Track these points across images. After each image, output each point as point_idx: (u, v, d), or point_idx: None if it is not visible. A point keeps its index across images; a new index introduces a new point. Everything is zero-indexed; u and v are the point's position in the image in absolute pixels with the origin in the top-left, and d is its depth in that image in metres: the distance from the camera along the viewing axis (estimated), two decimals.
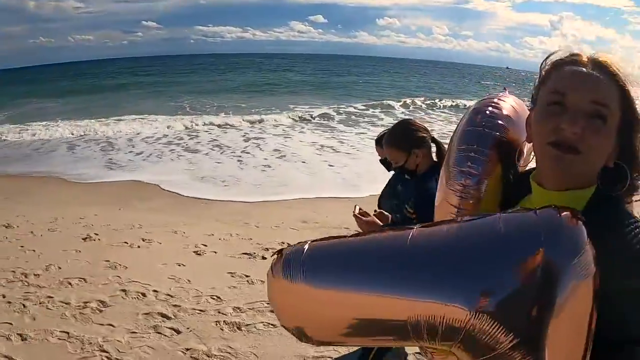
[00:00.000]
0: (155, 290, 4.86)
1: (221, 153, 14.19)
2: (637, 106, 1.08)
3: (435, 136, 2.86)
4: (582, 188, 1.06)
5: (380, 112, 23.87)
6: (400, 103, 26.39)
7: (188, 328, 4.18)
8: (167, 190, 9.95)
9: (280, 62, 79.50)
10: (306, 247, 0.95)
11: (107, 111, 22.41)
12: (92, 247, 6.19)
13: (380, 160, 3.35)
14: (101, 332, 4.09)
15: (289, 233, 6.79)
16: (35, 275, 5.24)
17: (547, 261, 0.79)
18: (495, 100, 1.34)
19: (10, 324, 4.21)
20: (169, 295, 4.79)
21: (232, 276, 5.28)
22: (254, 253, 5.99)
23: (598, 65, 1.07)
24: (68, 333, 4.06)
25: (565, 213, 0.85)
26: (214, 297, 4.77)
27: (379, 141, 3.49)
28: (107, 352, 3.81)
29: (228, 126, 18.78)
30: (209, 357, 3.78)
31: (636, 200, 1.12)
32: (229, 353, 3.81)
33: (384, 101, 26.73)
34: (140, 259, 5.74)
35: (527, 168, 1.34)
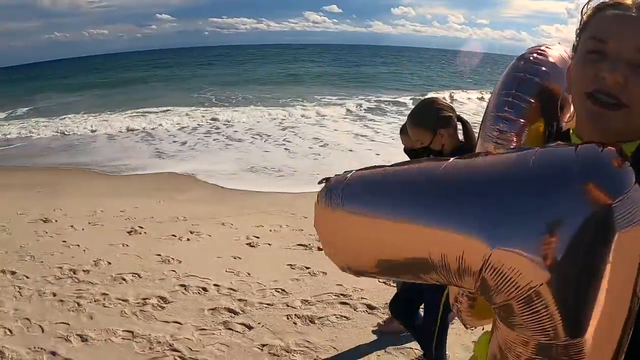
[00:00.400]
0: (216, 285, 4.59)
1: (264, 142, 14.03)
2: None
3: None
4: (626, 142, 0.92)
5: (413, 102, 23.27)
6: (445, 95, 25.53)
7: (259, 323, 3.94)
8: (203, 181, 9.73)
9: (297, 52, 78.64)
10: (349, 175, 0.94)
11: (133, 103, 22.32)
12: (139, 240, 5.92)
13: (405, 150, 3.19)
14: (168, 330, 3.83)
15: None
16: (84, 271, 4.97)
17: (579, 199, 0.67)
18: (543, 47, 1.26)
19: (67, 324, 3.94)
20: (231, 289, 4.52)
21: (292, 268, 5.00)
22: (309, 244, 5.67)
23: None
24: (132, 332, 3.79)
25: (609, 149, 0.71)
26: (279, 290, 4.50)
27: (403, 130, 3.24)
28: (178, 351, 3.56)
29: (261, 116, 18.51)
30: (287, 352, 3.54)
31: None
32: (308, 347, 3.59)
33: (415, 93, 25.81)
34: (192, 253, 5.45)
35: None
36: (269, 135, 14.75)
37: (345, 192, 0.91)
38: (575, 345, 0.72)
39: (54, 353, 3.55)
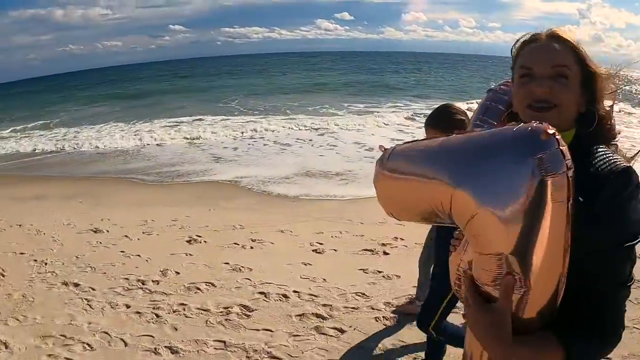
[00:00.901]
0: (295, 291, 4.48)
1: (312, 146, 14.01)
2: (590, 62, 1.31)
3: None
4: (562, 132, 1.12)
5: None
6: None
7: (350, 326, 3.88)
8: (247, 188, 9.62)
9: (312, 60, 78.35)
10: (395, 146, 1.28)
11: (162, 113, 22.45)
12: (202, 249, 5.79)
13: None
14: (261, 338, 3.73)
15: (399, 228, 6.28)
16: (153, 281, 4.84)
17: (517, 156, 0.98)
18: (508, 81, 1.58)
19: (151, 336, 3.80)
20: (312, 295, 4.40)
21: (366, 272, 4.90)
22: (374, 249, 5.55)
23: (554, 37, 1.32)
24: (224, 342, 3.68)
25: (538, 124, 1.02)
26: (359, 294, 4.43)
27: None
28: (277, 357, 3.48)
29: (296, 123, 18.27)
30: (385, 352, 3.54)
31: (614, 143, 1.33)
32: (404, 347, 3.58)
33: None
34: (261, 260, 5.30)
35: None
36: (311, 140, 14.76)
37: (390, 157, 1.26)
38: (515, 258, 1.02)
39: None
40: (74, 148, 16.11)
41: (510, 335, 1.08)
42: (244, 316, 4.04)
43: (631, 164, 1.24)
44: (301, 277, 4.77)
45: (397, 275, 4.73)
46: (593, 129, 1.29)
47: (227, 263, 5.19)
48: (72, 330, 3.98)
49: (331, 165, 11.15)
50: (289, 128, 17.26)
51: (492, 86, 1.72)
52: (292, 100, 26.15)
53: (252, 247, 5.78)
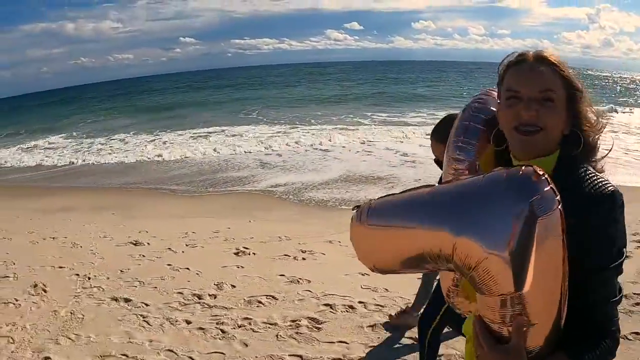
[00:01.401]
0: (360, 302, 4.38)
1: (354, 153, 14.12)
2: (575, 81, 1.36)
3: None
4: (547, 155, 1.35)
5: None
6: None
7: None
8: (284, 199, 9.55)
9: (325, 71, 77.62)
10: (372, 201, 1.32)
11: (185, 124, 22.58)
12: (252, 261, 5.67)
13: (435, 161, 3.27)
14: (337, 350, 3.63)
15: None
16: (210, 295, 4.71)
17: (510, 201, 1.07)
18: (482, 96, 1.64)
19: (222, 353, 3.67)
20: (378, 305, 4.31)
21: None
22: None
23: (540, 59, 1.36)
24: (300, 356, 3.57)
25: (528, 167, 1.11)
26: None
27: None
28: None
29: (328, 132, 18.30)
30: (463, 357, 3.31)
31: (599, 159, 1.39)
32: None
33: None
34: (317, 272, 5.19)
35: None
36: (345, 147, 14.87)
37: (369, 212, 1.27)
38: (521, 296, 1.08)
39: None
40: (98, 159, 16.17)
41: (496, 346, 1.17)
42: (314, 329, 3.92)
43: (615, 188, 1.26)
44: (362, 288, 4.65)
45: None
46: (580, 149, 1.34)
47: (283, 275, 5.07)
48: (133, 349, 3.83)
49: (375, 170, 11.22)
50: (321, 135, 17.31)
51: (468, 103, 1.71)
52: (314, 110, 26.24)
53: (304, 259, 5.66)
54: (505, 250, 1.05)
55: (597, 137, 1.39)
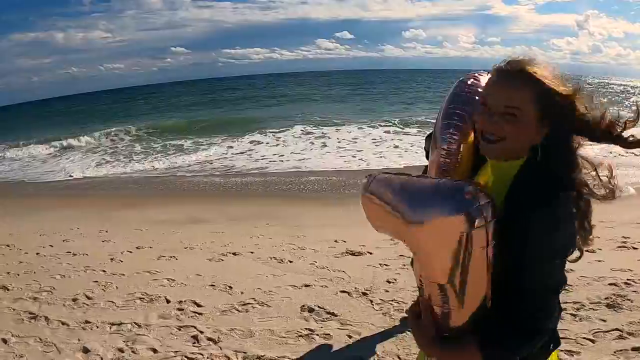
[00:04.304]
0: None
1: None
2: (556, 90, 1.38)
3: None
4: (516, 158, 1.46)
5: None
6: None
7: None
8: None
9: (319, 80, 78.21)
10: (376, 174, 1.55)
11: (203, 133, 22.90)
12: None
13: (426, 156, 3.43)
14: None
15: None
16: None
17: (450, 206, 1.28)
18: (477, 74, 1.77)
19: None
20: None
21: None
22: None
23: (516, 72, 1.40)
24: None
25: (465, 181, 1.35)
26: None
27: (428, 138, 3.50)
28: None
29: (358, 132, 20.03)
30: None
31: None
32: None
33: None
34: None
35: None
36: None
37: (370, 185, 1.50)
38: (444, 287, 1.37)
39: None
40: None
41: (433, 339, 1.46)
42: None
43: (559, 196, 1.36)
44: None
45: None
46: (546, 156, 1.42)
47: None
48: None
49: None
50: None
51: (463, 78, 1.79)
52: (326, 115, 27.44)
53: None
54: (439, 248, 1.31)
55: (577, 145, 1.44)
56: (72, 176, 15.84)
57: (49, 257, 6.93)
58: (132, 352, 4.12)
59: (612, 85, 53.29)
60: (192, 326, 4.54)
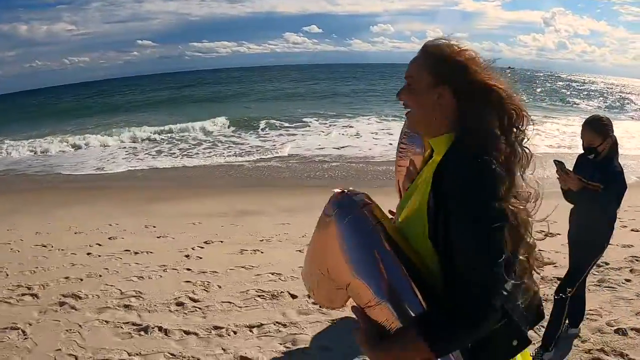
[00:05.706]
0: None
1: None
2: (450, 55, 1.42)
3: None
4: (444, 134, 1.45)
5: None
6: None
7: None
8: None
9: (289, 73, 77.89)
10: (357, 197, 1.46)
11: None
12: None
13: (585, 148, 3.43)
14: None
15: None
16: None
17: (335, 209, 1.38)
18: None
19: None
20: None
21: None
22: None
23: (422, 49, 1.48)
24: None
25: (340, 193, 1.42)
26: None
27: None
28: None
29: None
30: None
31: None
32: None
33: None
34: None
35: None
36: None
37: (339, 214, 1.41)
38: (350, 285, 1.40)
39: None
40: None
41: (374, 343, 1.33)
42: None
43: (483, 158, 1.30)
44: None
45: None
46: (470, 137, 1.36)
47: None
48: None
49: None
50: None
51: None
52: (309, 108, 27.14)
53: None
54: (337, 247, 1.36)
55: (493, 133, 1.38)
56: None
57: (106, 257, 6.00)
58: (302, 352, 3.66)
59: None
60: (345, 317, 4.01)
